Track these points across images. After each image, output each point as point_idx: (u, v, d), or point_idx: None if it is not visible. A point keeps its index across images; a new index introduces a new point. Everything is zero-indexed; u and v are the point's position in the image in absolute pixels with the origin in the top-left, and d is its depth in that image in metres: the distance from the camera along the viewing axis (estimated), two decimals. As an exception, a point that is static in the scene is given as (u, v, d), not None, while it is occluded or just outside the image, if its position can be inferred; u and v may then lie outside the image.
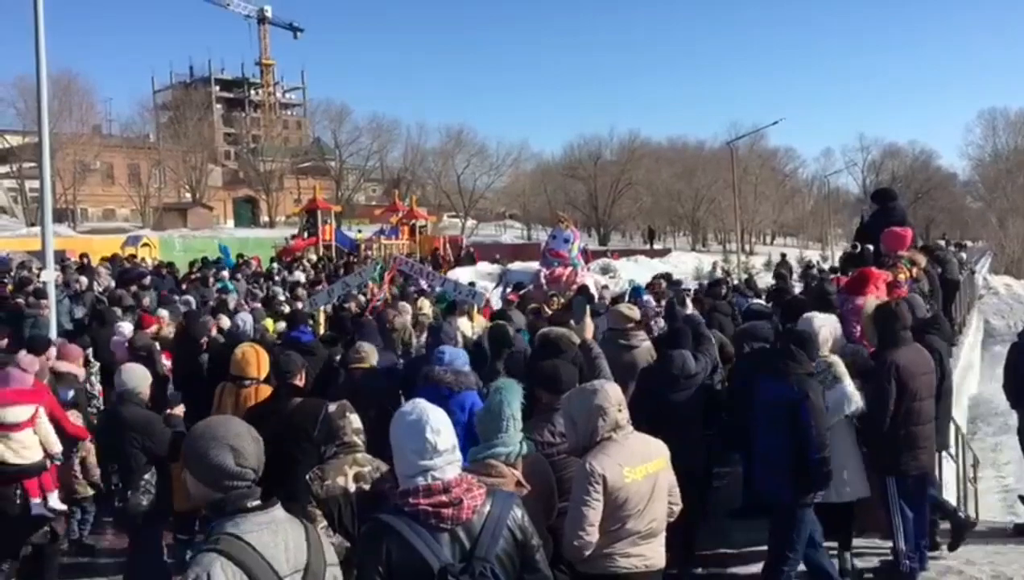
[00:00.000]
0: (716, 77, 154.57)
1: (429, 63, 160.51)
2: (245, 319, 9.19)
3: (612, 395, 3.85)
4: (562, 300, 11.28)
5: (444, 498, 2.90)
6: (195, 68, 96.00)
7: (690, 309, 8.10)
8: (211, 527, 2.67)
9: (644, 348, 7.11)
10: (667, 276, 15.79)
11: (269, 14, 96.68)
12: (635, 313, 7.48)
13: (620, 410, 3.84)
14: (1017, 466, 7.66)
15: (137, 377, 6.21)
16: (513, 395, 3.90)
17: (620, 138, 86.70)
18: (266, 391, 6.51)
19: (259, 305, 12.44)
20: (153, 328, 9.99)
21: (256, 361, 6.69)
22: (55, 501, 6.55)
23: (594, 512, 3.68)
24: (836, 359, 5.91)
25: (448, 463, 2.98)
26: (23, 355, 6.82)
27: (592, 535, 3.69)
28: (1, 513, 6.26)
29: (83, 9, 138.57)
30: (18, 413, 6.36)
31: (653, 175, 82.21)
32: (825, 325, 5.99)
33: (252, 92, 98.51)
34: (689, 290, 12.54)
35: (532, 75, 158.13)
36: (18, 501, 6.32)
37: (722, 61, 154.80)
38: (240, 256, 25.21)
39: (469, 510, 2.93)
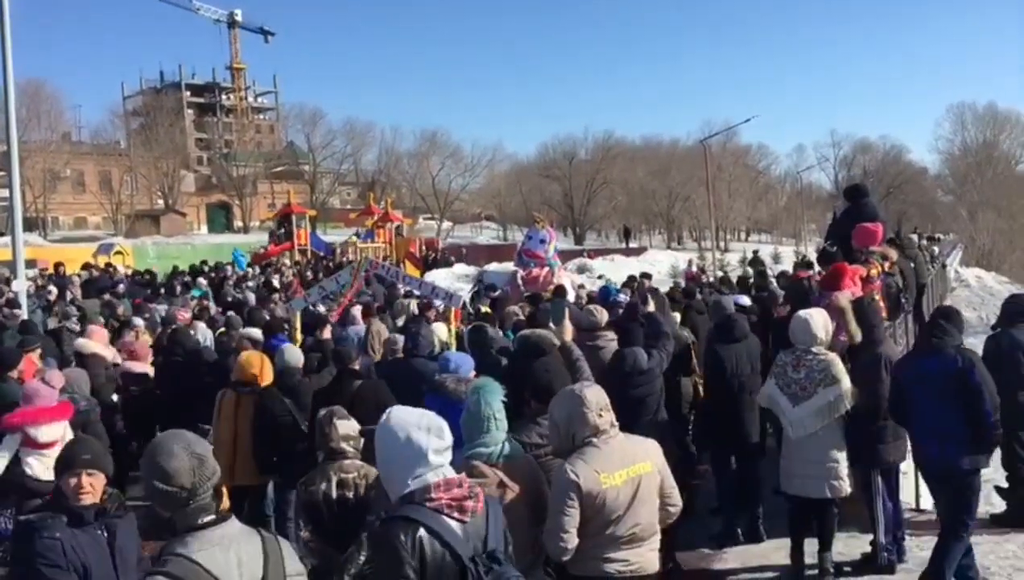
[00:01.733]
0: (689, 76, 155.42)
1: (403, 65, 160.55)
2: (205, 334, 9.14)
3: (593, 399, 3.85)
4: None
5: (462, 491, 2.93)
6: (165, 73, 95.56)
7: (651, 306, 8.22)
8: (164, 548, 2.68)
9: (611, 348, 7.20)
10: (647, 275, 15.85)
11: (239, 18, 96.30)
12: (602, 315, 7.55)
13: (601, 414, 3.84)
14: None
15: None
16: (492, 394, 3.91)
17: (595, 137, 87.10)
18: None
19: (233, 313, 12.36)
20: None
21: (259, 366, 6.81)
22: None
23: (569, 518, 3.69)
24: (835, 357, 5.98)
25: (450, 460, 3.03)
26: (52, 372, 6.76)
27: (569, 540, 3.70)
28: None
29: (50, 15, 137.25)
30: (52, 431, 6.33)
31: (628, 174, 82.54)
32: (820, 320, 6.04)
33: (224, 97, 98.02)
34: (655, 289, 12.61)
35: (506, 76, 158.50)
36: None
37: (695, 59, 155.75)
38: (203, 262, 25.08)
39: (481, 502, 2.98)
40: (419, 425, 2.97)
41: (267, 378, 6.89)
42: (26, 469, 6.17)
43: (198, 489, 2.69)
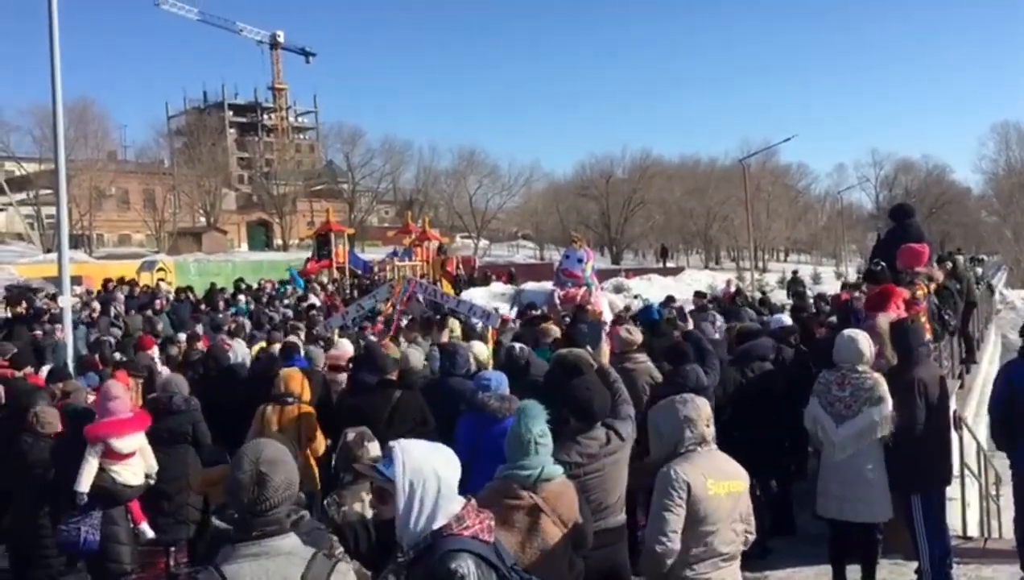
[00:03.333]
0: (727, 95, 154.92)
1: (441, 85, 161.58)
2: (243, 353, 9.21)
3: (702, 408, 3.79)
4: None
5: (487, 515, 2.92)
6: (208, 93, 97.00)
7: (689, 325, 8.19)
8: None
9: (643, 368, 7.17)
10: (701, 294, 15.76)
11: (282, 39, 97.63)
12: (636, 337, 7.49)
13: (708, 425, 3.77)
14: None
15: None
16: (535, 419, 3.86)
17: (632, 156, 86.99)
18: (309, 410, 7.00)
19: (276, 330, 12.45)
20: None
21: (300, 382, 7.09)
22: (147, 528, 6.70)
23: (676, 518, 3.57)
24: (880, 378, 5.86)
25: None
26: (111, 385, 6.90)
27: (674, 542, 3.58)
28: (114, 536, 6.31)
29: (98, 37, 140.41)
30: (133, 442, 6.46)
31: (665, 193, 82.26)
32: (865, 339, 5.93)
33: (265, 116, 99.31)
34: (683, 308, 12.53)
35: (543, 95, 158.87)
36: (131, 524, 6.52)
37: (733, 78, 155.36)
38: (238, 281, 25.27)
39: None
40: (439, 458, 2.94)
41: (307, 393, 7.01)
42: (115, 476, 6.29)
43: (257, 505, 2.69)
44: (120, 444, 6.32)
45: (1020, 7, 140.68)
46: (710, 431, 3.77)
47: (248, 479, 2.69)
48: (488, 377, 5.83)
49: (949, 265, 11.07)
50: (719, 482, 3.65)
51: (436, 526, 2.84)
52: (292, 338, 10.28)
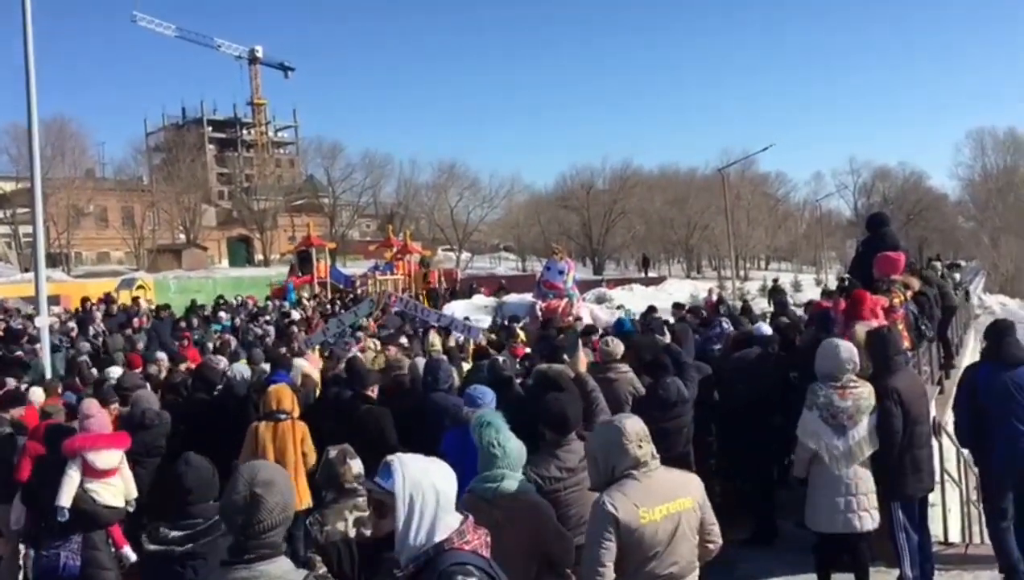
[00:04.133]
0: (706, 105, 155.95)
1: (421, 98, 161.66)
2: (241, 371, 9.13)
3: (632, 430, 3.76)
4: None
5: (483, 531, 2.92)
6: (187, 109, 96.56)
7: (667, 338, 8.26)
8: None
9: (625, 378, 7.23)
10: (679, 305, 15.84)
11: (260, 54, 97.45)
12: (618, 348, 7.53)
13: (641, 446, 3.74)
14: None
15: None
16: (491, 427, 3.93)
17: (612, 167, 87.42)
18: (301, 426, 7.00)
19: (259, 349, 12.36)
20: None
21: (291, 398, 7.10)
22: (129, 551, 6.52)
23: (607, 552, 3.59)
24: (870, 386, 5.88)
25: None
26: (87, 403, 6.85)
27: (607, 575, 3.59)
28: (95, 561, 6.20)
29: (75, 54, 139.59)
30: (111, 458, 6.37)
31: (646, 203, 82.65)
32: (851, 348, 5.94)
33: (244, 132, 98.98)
34: (662, 319, 12.61)
35: (523, 108, 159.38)
36: (112, 548, 6.38)
37: (711, 89, 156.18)
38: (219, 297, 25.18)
39: None
40: (436, 472, 2.93)
41: (298, 410, 7.00)
42: (95, 496, 6.21)
43: (249, 527, 2.67)
44: (97, 458, 6.25)
45: (992, 15, 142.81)
46: (644, 451, 3.74)
47: (242, 500, 2.67)
48: (479, 393, 5.83)
49: (927, 271, 11.18)
50: (653, 507, 3.64)
51: (437, 539, 2.82)
52: (283, 352, 10.28)
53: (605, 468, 3.76)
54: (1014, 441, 6.11)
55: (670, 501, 3.71)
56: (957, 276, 23.86)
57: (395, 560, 3.44)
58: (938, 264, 16.01)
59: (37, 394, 8.78)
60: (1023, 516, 6.33)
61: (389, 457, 2.95)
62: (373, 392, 7.36)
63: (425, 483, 2.85)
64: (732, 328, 8.69)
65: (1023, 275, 55.66)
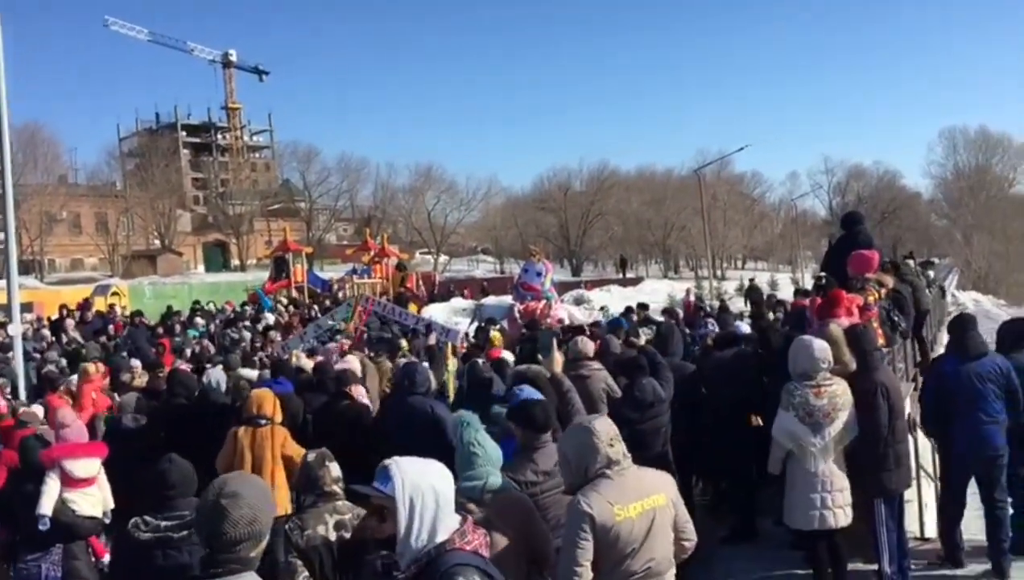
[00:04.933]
0: (682, 106, 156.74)
1: (396, 101, 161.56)
2: (218, 378, 9.06)
3: (602, 430, 3.78)
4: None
5: (482, 531, 2.94)
6: (161, 114, 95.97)
7: (642, 340, 8.31)
8: None
9: (598, 376, 7.25)
10: (644, 306, 15.92)
11: (234, 58, 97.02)
12: (588, 346, 7.57)
13: (612, 445, 3.76)
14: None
15: None
16: (470, 427, 3.96)
17: (589, 169, 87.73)
18: (282, 431, 6.88)
19: (235, 354, 12.29)
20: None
21: (272, 403, 6.96)
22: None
23: (583, 551, 3.61)
24: (845, 382, 5.94)
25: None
26: (63, 413, 6.77)
27: (584, 574, 3.62)
28: (76, 572, 6.12)
29: (47, 59, 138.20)
30: (89, 466, 6.31)
31: (623, 204, 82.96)
32: (823, 346, 5.99)
33: (219, 136, 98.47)
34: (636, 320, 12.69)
35: (500, 109, 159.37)
36: (92, 559, 6.32)
37: (687, 90, 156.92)
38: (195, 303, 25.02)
39: None
40: (435, 474, 2.94)
41: (279, 414, 6.91)
42: (74, 507, 6.15)
43: (213, 539, 2.65)
44: (75, 467, 6.20)
45: (964, 15, 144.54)
46: (616, 450, 3.76)
47: (207, 511, 2.66)
48: (523, 389, 5.78)
49: (904, 268, 11.31)
50: (627, 505, 3.67)
51: (438, 540, 2.83)
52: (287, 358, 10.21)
53: (578, 469, 3.78)
54: (977, 429, 6.42)
55: (644, 498, 3.73)
56: (931, 273, 24.11)
57: (375, 563, 3.44)
58: (911, 262, 16.13)
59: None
60: (988, 501, 6.59)
61: (386, 461, 2.95)
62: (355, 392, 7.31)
63: (424, 485, 2.86)
64: (718, 328, 8.74)
65: (996, 272, 56.28)
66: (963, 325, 6.86)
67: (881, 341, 7.30)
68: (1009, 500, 6.65)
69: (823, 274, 9.10)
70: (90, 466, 6.33)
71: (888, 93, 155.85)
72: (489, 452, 3.95)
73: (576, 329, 11.74)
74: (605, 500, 3.66)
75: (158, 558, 4.15)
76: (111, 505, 6.49)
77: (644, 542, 3.71)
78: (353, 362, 9.34)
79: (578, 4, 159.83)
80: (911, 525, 6.96)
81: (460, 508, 3.52)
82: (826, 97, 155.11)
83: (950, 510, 6.71)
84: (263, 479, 6.36)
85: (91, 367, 9.99)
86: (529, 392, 5.75)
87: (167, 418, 8.31)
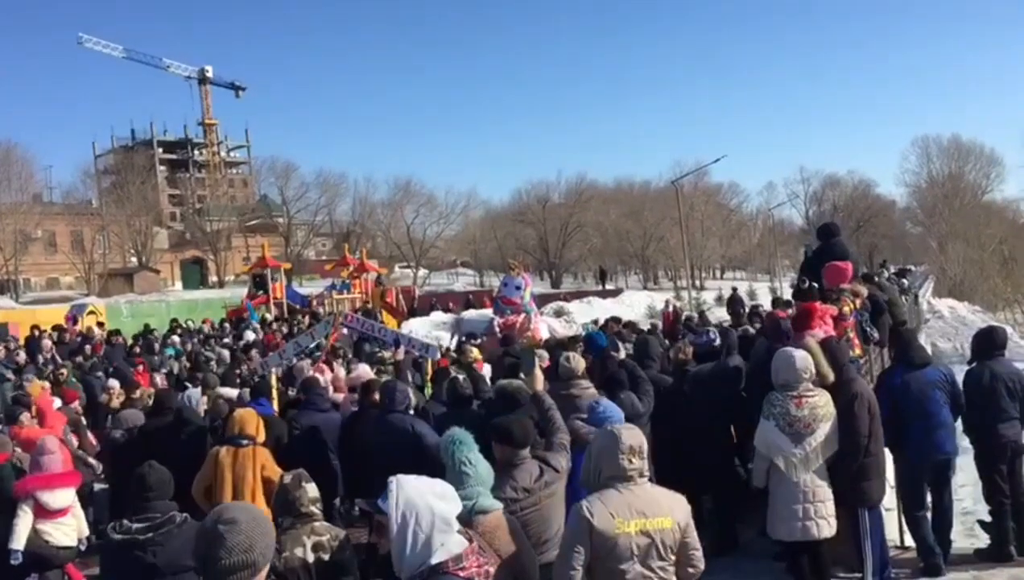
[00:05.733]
0: (659, 117, 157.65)
1: (374, 116, 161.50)
2: (193, 396, 8.97)
3: (627, 441, 3.80)
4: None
5: (486, 558, 2.96)
6: (137, 131, 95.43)
7: (622, 354, 8.28)
8: None
9: (588, 395, 7.13)
10: (617, 319, 15.99)
11: (210, 74, 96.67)
12: (579, 364, 7.46)
13: (631, 459, 3.77)
14: (974, 488, 7.75)
15: None
16: (460, 446, 3.93)
17: (568, 181, 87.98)
18: (264, 452, 6.71)
19: (212, 373, 12.18)
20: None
21: (255, 423, 6.82)
22: None
23: (578, 555, 3.65)
24: (827, 393, 5.96)
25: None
26: (46, 440, 6.67)
27: (576, 577, 3.65)
28: None
29: (20, 76, 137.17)
30: (64, 497, 6.23)
31: (602, 216, 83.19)
32: (805, 357, 6.02)
33: (196, 152, 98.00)
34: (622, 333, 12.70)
35: (478, 123, 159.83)
36: None
37: (664, 101, 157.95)
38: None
39: None
40: (434, 492, 2.94)
41: (262, 435, 6.83)
42: (48, 538, 6.07)
43: (208, 564, 2.65)
44: (51, 499, 6.13)
45: (937, 24, 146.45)
46: (634, 465, 3.77)
47: (205, 536, 2.67)
48: (610, 411, 5.73)
49: (881, 280, 11.41)
50: (629, 520, 3.68)
51: (433, 561, 2.83)
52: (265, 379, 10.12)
53: (595, 469, 3.85)
54: (926, 435, 6.60)
55: (648, 518, 3.74)
56: (906, 282, 24.34)
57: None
58: (886, 270, 16.28)
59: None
60: (939, 505, 6.80)
61: (390, 478, 2.99)
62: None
63: (420, 503, 2.87)
64: (720, 339, 8.66)
65: (971, 279, 56.77)
66: (905, 337, 7.26)
67: (857, 351, 7.36)
68: (987, 508, 6.78)
69: (804, 278, 9.14)
70: (65, 496, 6.25)
71: (861, 102, 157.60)
72: (480, 472, 3.94)
73: (561, 344, 11.70)
74: (608, 510, 3.71)
75: (126, 559, 4.32)
76: (86, 532, 6.43)
77: (642, 561, 3.72)
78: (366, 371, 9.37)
79: (557, 18, 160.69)
80: (891, 533, 7.00)
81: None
82: (801, 107, 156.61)
83: (911, 515, 6.85)
84: (244, 500, 6.35)
85: (36, 387, 9.91)
86: (607, 406, 5.79)
87: (146, 438, 8.25)
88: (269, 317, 27.67)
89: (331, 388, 9.46)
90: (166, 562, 4.24)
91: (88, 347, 16.88)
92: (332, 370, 10.83)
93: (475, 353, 10.52)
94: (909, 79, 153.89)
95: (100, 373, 13.57)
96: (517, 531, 3.97)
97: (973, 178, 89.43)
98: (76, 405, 10.26)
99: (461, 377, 7.99)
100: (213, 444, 7.03)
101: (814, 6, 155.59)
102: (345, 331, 13.18)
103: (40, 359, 15.70)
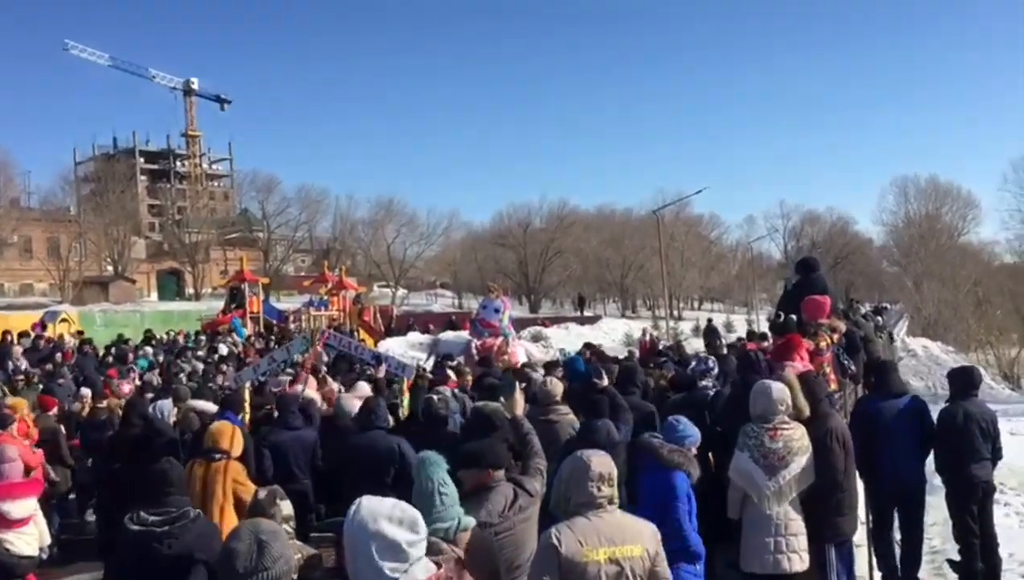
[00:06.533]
0: (642, 147, 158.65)
1: (358, 133, 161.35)
2: (164, 407, 8.88)
3: (597, 469, 3.80)
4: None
5: None
6: (119, 140, 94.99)
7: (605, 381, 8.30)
8: None
9: (566, 421, 7.13)
10: (589, 345, 16.11)
11: (196, 86, 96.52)
12: (558, 389, 7.46)
13: (600, 487, 3.77)
14: (943, 527, 7.78)
15: None
16: (434, 468, 3.88)
17: (549, 206, 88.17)
18: (237, 466, 6.63)
19: (183, 385, 12.06)
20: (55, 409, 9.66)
21: (230, 437, 6.74)
22: None
23: None
24: (802, 427, 5.95)
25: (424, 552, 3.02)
26: (5, 447, 6.57)
27: None
28: None
29: (1, 81, 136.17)
30: (25, 507, 6.13)
31: (582, 243, 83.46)
32: (782, 390, 6.02)
33: (178, 163, 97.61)
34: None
35: (462, 144, 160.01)
36: None
37: (648, 131, 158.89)
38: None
39: None
40: (391, 517, 2.90)
41: (237, 449, 6.74)
42: (8, 547, 5.96)
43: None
44: (13, 508, 6.03)
45: (917, 65, 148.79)
46: (603, 493, 3.77)
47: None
48: (686, 430, 5.76)
49: (857, 317, 11.51)
50: (598, 547, 3.67)
51: None
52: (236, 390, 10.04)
53: (564, 494, 3.84)
54: (897, 464, 6.79)
55: (616, 546, 3.73)
56: (880, 319, 24.53)
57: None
58: (861, 307, 16.42)
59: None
60: (907, 540, 6.97)
61: (357, 499, 2.99)
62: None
63: (370, 527, 2.84)
64: (717, 367, 8.64)
65: (944, 319, 57.31)
66: (882, 369, 7.46)
67: (833, 386, 7.40)
68: (958, 547, 6.84)
69: (780, 313, 9.23)
70: (27, 506, 6.17)
71: (842, 140, 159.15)
72: (453, 492, 3.90)
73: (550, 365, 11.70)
74: (576, 538, 3.69)
75: (142, 549, 4.44)
76: (48, 541, 6.33)
77: None
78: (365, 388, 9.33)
79: (541, 43, 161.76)
80: (861, 568, 6.99)
81: (432, 551, 3.48)
82: (783, 143, 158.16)
83: (878, 536, 7.03)
84: (211, 515, 6.28)
85: (21, 403, 9.76)
86: (685, 424, 5.78)
87: (115, 447, 8.13)
88: (247, 331, 27.51)
89: (324, 403, 9.41)
90: (179, 554, 4.40)
91: (59, 355, 16.67)
92: (327, 384, 10.79)
93: (468, 375, 10.53)
94: (889, 118, 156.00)
95: (62, 381, 13.35)
96: (496, 548, 3.96)
97: (950, 219, 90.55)
98: (54, 412, 10.11)
99: (436, 397, 7.96)
100: (185, 458, 6.95)
101: (799, 44, 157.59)
102: (320, 349, 13.12)
103: (10, 366, 15.48)
